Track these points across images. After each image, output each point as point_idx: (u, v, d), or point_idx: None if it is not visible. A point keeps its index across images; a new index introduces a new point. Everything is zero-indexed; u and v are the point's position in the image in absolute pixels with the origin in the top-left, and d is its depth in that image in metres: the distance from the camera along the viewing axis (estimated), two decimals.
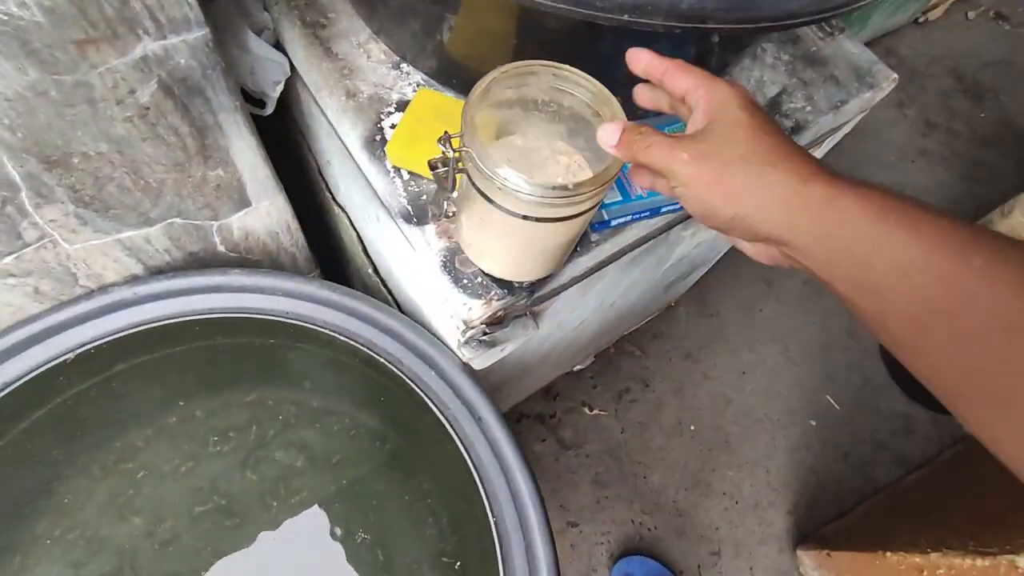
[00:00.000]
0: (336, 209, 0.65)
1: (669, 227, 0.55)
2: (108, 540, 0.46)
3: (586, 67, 0.34)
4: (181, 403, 0.51)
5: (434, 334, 0.51)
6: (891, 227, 0.23)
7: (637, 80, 0.33)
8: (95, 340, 0.50)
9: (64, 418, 0.48)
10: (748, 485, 1.15)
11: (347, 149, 0.49)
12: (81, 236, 0.45)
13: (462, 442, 0.49)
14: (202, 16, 0.36)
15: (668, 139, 0.28)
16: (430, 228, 0.44)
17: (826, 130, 0.62)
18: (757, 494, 1.14)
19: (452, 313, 0.45)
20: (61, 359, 0.49)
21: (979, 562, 0.64)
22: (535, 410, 1.14)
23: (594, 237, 0.46)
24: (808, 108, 0.57)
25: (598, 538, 1.04)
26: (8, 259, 0.43)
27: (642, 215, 0.47)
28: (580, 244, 0.46)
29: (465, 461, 0.49)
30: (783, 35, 0.61)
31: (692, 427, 1.18)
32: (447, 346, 0.50)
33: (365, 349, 0.51)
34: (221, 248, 0.56)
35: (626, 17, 0.32)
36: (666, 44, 0.42)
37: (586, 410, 1.15)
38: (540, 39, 0.42)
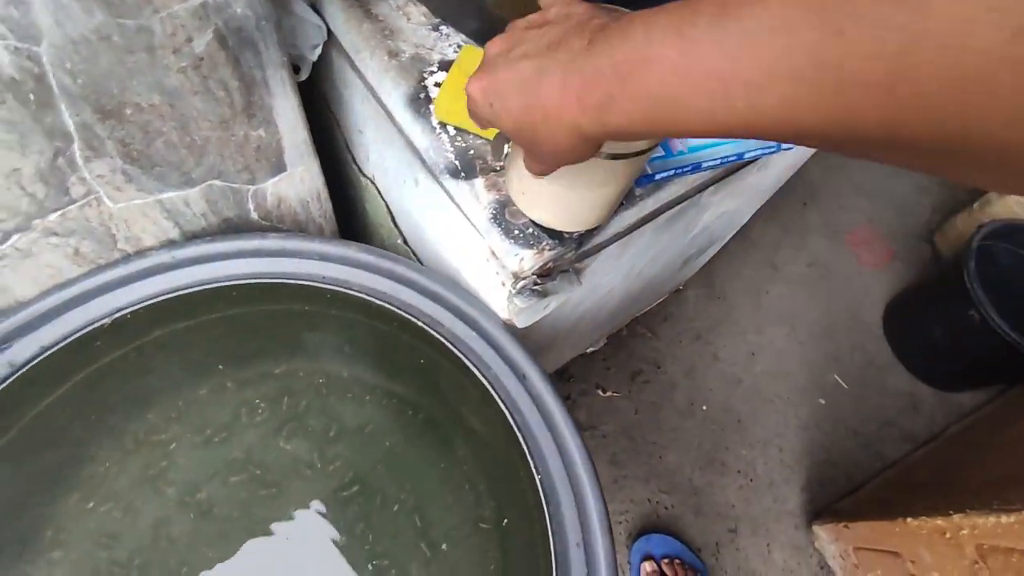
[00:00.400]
0: (363, 181, 0.65)
1: (702, 188, 0.56)
2: (142, 512, 0.45)
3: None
4: (215, 370, 0.50)
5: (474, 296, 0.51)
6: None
7: None
8: (132, 305, 0.49)
9: (96, 386, 0.47)
10: (762, 463, 1.16)
11: (387, 111, 0.49)
12: (125, 195, 0.44)
13: (504, 402, 0.50)
14: None
15: None
16: (479, 181, 0.44)
17: None
18: (771, 472, 1.15)
19: (501, 267, 0.45)
20: (99, 323, 0.48)
21: (1004, 519, 0.65)
22: None
23: (638, 191, 0.47)
24: None
25: (617, 517, 1.04)
26: (53, 216, 0.42)
27: (684, 170, 0.47)
28: (625, 199, 0.46)
29: (507, 421, 0.49)
30: None
31: (704, 407, 1.19)
32: (488, 307, 0.51)
33: (403, 312, 0.51)
34: (254, 215, 0.56)
35: None
36: None
37: (600, 392, 1.16)
38: None
